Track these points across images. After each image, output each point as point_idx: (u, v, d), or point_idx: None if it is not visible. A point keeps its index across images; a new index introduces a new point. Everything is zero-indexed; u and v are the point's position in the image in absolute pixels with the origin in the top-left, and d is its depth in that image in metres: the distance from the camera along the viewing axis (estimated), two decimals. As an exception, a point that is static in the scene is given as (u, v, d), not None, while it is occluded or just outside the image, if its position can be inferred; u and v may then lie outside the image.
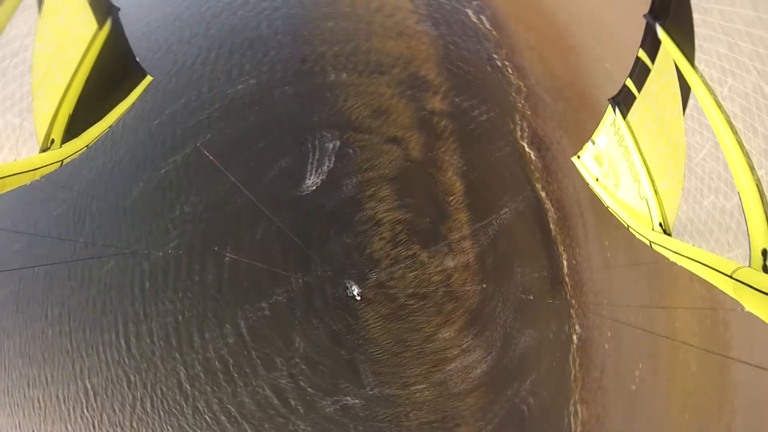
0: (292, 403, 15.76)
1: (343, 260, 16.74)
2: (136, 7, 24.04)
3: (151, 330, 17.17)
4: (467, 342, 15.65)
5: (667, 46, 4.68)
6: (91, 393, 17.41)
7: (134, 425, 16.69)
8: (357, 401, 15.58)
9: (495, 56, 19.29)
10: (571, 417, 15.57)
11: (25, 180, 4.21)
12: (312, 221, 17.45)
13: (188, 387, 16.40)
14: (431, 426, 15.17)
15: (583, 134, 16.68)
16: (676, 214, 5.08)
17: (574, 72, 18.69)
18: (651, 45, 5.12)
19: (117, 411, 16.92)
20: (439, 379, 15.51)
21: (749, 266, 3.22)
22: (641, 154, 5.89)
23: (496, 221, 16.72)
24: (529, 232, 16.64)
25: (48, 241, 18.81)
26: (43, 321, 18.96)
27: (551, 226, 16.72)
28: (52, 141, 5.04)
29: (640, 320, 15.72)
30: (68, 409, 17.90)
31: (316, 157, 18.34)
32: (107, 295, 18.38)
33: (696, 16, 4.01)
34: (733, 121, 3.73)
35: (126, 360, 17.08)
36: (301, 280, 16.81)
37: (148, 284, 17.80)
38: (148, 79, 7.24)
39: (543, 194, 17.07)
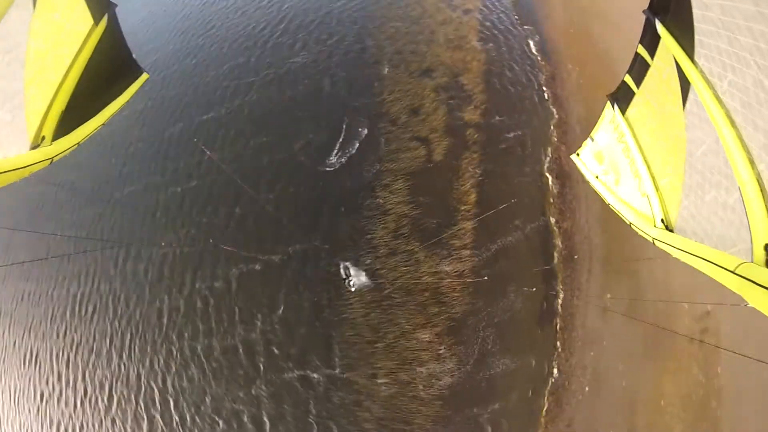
0: (258, 360, 15.89)
1: (344, 239, 17.03)
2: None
3: (150, 256, 17.95)
4: (442, 349, 15.30)
5: (667, 42, 4.65)
6: (78, 300, 18.23)
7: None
8: (320, 378, 15.48)
9: (541, 85, 19.47)
10: (525, 459, 14.83)
11: (14, 178, 4.06)
12: (325, 195, 17.96)
13: (165, 317, 16.90)
14: (380, 422, 14.77)
15: None
16: (678, 211, 5.03)
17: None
18: (650, 41, 5.09)
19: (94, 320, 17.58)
20: (404, 378, 15.18)
21: (752, 262, 3.20)
22: (641, 150, 5.85)
23: (501, 240, 16.51)
24: (531, 260, 16.28)
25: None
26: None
27: (555, 259, 16.29)
28: (43, 138, 4.96)
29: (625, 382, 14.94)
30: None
31: (346, 138, 19.00)
32: (125, 217, 19.45)
33: (696, 12, 4.00)
34: (733, 116, 3.71)
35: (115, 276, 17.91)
36: (298, 247, 17.19)
37: (159, 214, 18.72)
38: (144, 76, 7.20)
39: (555, 227, 16.73)
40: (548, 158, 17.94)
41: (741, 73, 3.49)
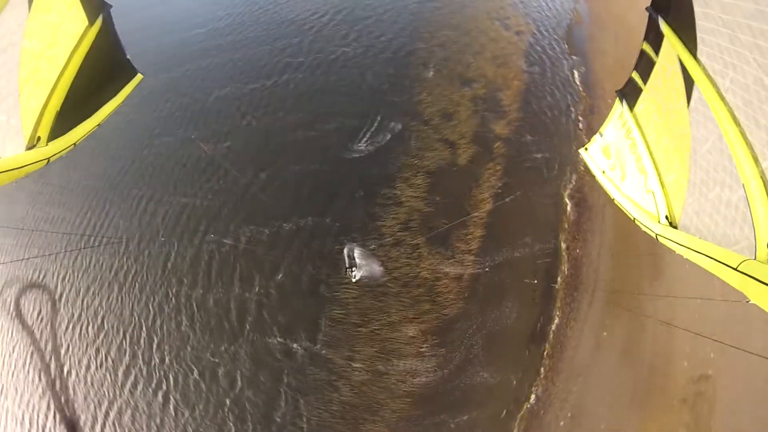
0: (246, 320, 16.04)
1: (355, 221, 17.24)
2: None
3: (172, 203, 18.69)
4: (424, 348, 15.05)
5: (670, 39, 4.73)
6: (95, 230, 19.07)
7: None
8: (300, 351, 15.46)
9: (578, 115, 19.39)
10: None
11: (11, 178, 4.04)
12: (346, 178, 18.31)
13: (170, 262, 17.45)
14: (347, 407, 14.50)
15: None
16: (683, 207, 5.04)
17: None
18: (655, 38, 5.15)
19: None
20: (381, 368, 14.96)
21: (755, 259, 3.21)
22: (648, 146, 5.87)
23: (507, 253, 16.27)
24: (534, 279, 15.90)
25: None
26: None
27: (558, 282, 15.87)
28: (38, 138, 4.91)
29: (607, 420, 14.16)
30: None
31: (377, 129, 19.43)
32: (157, 164, 20.37)
33: (697, 9, 4.06)
34: (735, 113, 3.73)
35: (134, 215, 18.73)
36: (310, 221, 17.49)
37: (189, 166, 19.56)
38: (139, 77, 7.19)
39: (565, 252, 16.36)
40: (572, 185, 17.70)
41: (742, 71, 3.53)
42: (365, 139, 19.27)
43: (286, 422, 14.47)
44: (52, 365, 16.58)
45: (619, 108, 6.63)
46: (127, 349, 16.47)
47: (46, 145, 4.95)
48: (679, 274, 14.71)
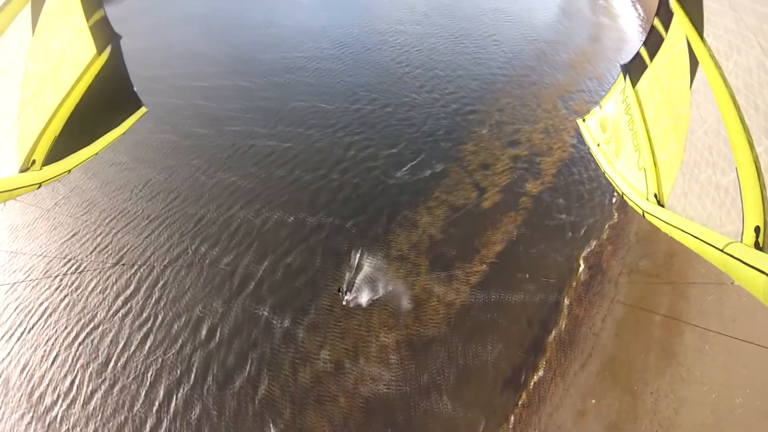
0: (245, 288, 17.11)
1: (371, 232, 18.32)
2: None
3: (220, 179, 21.48)
4: (393, 358, 14.69)
5: (679, 17, 4.77)
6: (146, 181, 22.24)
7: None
8: (281, 328, 15.88)
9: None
10: None
11: (0, 200, 4.03)
12: (379, 197, 19.89)
13: (200, 223, 19.60)
14: (300, 387, 14.23)
15: (648, 293, 15.17)
16: (672, 187, 5.08)
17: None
18: (665, 15, 5.22)
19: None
20: (344, 363, 14.69)
21: (741, 242, 3.27)
22: (645, 124, 5.97)
23: (505, 295, 15.84)
24: (526, 326, 15.08)
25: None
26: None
27: (551, 338, 14.82)
28: (33, 162, 4.83)
29: None
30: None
31: (420, 164, 21.17)
32: (219, 147, 23.78)
33: None
34: (736, 96, 3.74)
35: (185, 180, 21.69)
36: (335, 222, 18.89)
37: (247, 154, 22.63)
38: (143, 110, 7.18)
39: (566, 309, 15.45)
40: (589, 249, 17.22)
41: (746, 54, 3.55)
42: (407, 170, 20.99)
43: (243, 386, 14.58)
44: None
45: (622, 83, 6.80)
46: (133, 285, 18.06)
47: (41, 169, 4.86)
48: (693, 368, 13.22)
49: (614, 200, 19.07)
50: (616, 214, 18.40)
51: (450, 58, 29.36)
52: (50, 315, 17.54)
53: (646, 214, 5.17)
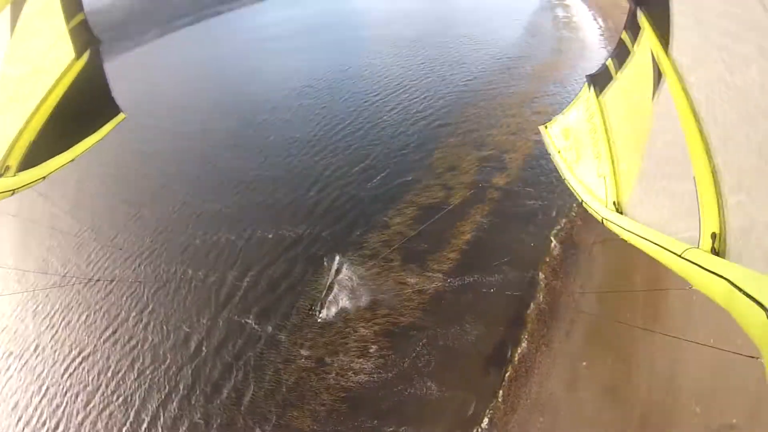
0: (231, 298, 17.60)
1: (345, 237, 19.05)
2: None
3: (205, 209, 22.60)
4: (372, 348, 14.75)
5: (646, 31, 4.90)
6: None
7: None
8: (258, 331, 16.18)
9: None
10: None
11: None
12: (352, 206, 20.83)
13: (187, 248, 20.45)
14: (282, 391, 14.32)
15: (624, 257, 15.38)
16: (631, 194, 5.20)
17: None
18: (633, 28, 5.33)
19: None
20: (324, 359, 14.81)
21: (698, 248, 3.38)
22: (607, 133, 6.10)
23: (480, 277, 16.10)
24: (504, 304, 15.21)
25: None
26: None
27: (531, 311, 14.86)
28: (7, 168, 4.69)
29: None
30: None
31: (391, 174, 22.29)
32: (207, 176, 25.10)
33: (674, 6, 4.23)
34: (697, 109, 3.85)
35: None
36: (311, 231, 19.68)
37: (223, 181, 23.85)
38: (121, 116, 7.01)
39: (542, 282, 15.57)
40: (559, 227, 17.64)
41: (708, 69, 3.67)
42: (378, 181, 22.02)
43: (230, 395, 14.69)
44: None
45: (587, 93, 6.94)
46: (122, 306, 18.72)
47: (15, 175, 4.72)
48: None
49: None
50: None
51: (417, 83, 31.32)
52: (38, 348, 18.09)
53: (605, 221, 5.30)
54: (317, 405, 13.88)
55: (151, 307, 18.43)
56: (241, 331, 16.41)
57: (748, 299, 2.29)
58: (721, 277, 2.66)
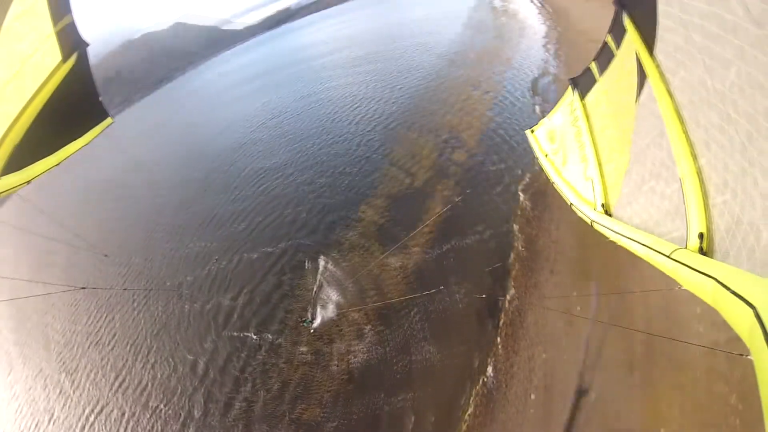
0: (230, 318, 18.08)
1: (324, 240, 19.77)
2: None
3: (195, 247, 23.31)
4: (366, 329, 15.05)
5: (631, 34, 4.88)
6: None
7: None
8: (258, 341, 16.73)
9: None
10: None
11: None
12: (326, 212, 21.64)
13: (183, 288, 21.05)
14: (289, 388, 14.63)
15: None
16: (618, 196, 5.23)
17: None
18: (618, 31, 5.28)
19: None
20: (322, 349, 15.24)
21: (686, 247, 3.40)
22: (592, 135, 6.13)
23: (457, 242, 16.75)
24: (484, 259, 15.66)
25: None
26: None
27: (511, 258, 15.44)
28: None
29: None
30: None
31: (357, 177, 23.23)
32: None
33: (660, 7, 4.18)
34: (681, 111, 3.89)
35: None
36: (295, 243, 20.40)
37: (210, 221, 24.66)
38: (108, 120, 6.91)
39: (518, 233, 16.20)
40: (524, 182, 18.43)
41: (691, 71, 3.66)
42: (345, 186, 23.08)
43: (242, 406, 14.99)
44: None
45: (570, 96, 6.96)
46: (129, 358, 19.11)
47: None
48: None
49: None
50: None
51: (372, 93, 32.96)
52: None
53: (594, 224, 5.27)
54: (323, 393, 14.18)
55: (155, 347, 18.83)
56: (242, 345, 16.83)
57: (735, 297, 2.32)
58: (708, 276, 2.69)
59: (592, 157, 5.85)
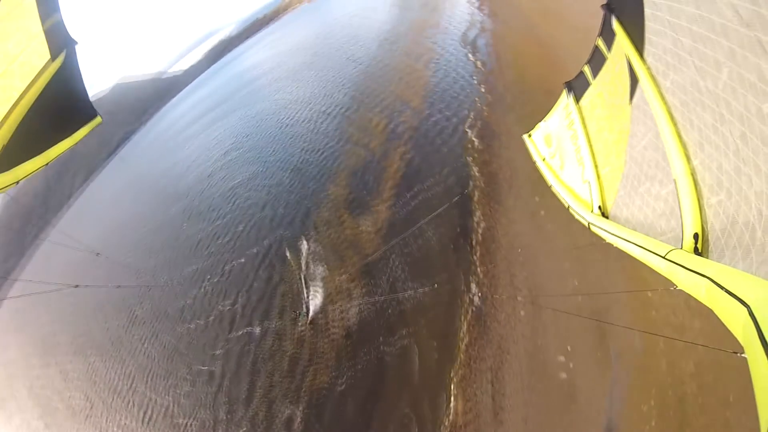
0: (233, 322, 18.76)
1: (301, 226, 20.62)
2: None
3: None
4: (353, 286, 16.05)
5: (620, 37, 4.90)
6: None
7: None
8: (263, 331, 17.50)
9: (476, 82, 22.40)
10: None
11: None
12: (297, 202, 22.50)
13: (184, 309, 21.66)
14: (296, 363, 15.47)
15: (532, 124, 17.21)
16: (614, 199, 5.26)
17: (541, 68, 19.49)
18: (608, 34, 5.33)
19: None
20: (318, 321, 16.14)
21: (681, 248, 3.43)
22: (588, 138, 6.16)
23: (418, 188, 17.79)
24: (445, 194, 16.72)
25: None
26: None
27: (471, 189, 16.47)
28: None
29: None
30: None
31: (315, 168, 24.13)
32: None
33: (647, 11, 4.23)
34: (673, 112, 3.92)
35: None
36: (275, 238, 21.19)
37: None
38: (97, 120, 6.90)
39: (472, 164, 17.37)
40: (470, 120, 19.50)
41: (681, 73, 3.70)
42: (311, 175, 23.89)
43: (260, 393, 15.69)
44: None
45: (565, 100, 7.02)
46: (148, 392, 19.67)
47: None
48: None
49: (476, 80, 21.80)
50: (479, 103, 21.04)
51: (319, 94, 33.40)
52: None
53: (591, 226, 5.30)
54: (328, 357, 15.05)
55: (167, 369, 19.39)
56: (250, 340, 17.56)
57: (730, 297, 2.34)
58: (704, 276, 2.71)
59: (588, 160, 5.92)
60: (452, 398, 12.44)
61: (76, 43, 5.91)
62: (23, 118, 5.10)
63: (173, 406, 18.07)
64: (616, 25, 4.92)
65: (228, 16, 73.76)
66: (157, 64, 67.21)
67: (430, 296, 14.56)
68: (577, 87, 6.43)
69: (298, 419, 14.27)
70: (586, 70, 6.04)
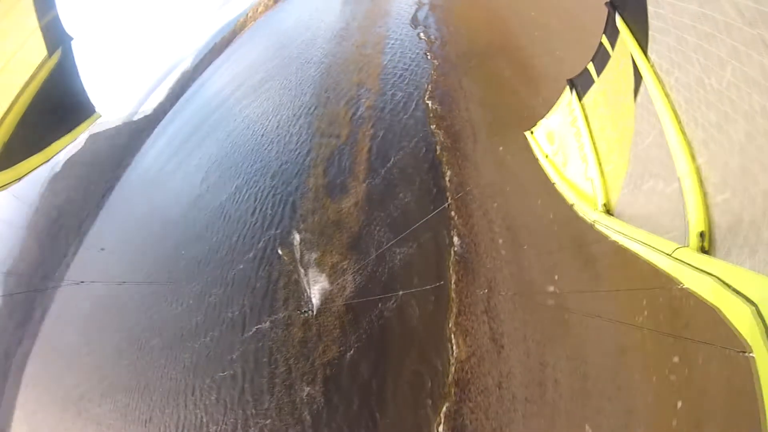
0: (244, 324, 19.56)
1: (290, 220, 21.58)
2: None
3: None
4: (344, 263, 17.10)
5: (624, 35, 4.88)
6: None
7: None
8: (273, 324, 18.46)
9: (429, 57, 23.65)
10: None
11: None
12: (282, 201, 23.45)
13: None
14: (301, 342, 16.41)
15: (487, 82, 18.13)
16: (618, 196, 5.23)
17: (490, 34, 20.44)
18: (612, 32, 5.30)
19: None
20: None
21: (687, 247, 3.39)
22: (591, 136, 6.11)
23: (391, 161, 18.76)
24: (416, 162, 17.75)
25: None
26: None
27: (439, 151, 17.49)
28: None
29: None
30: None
31: (291, 166, 25.01)
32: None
33: (650, 9, 4.20)
34: (678, 110, 3.89)
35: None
36: (268, 237, 22.03)
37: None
38: (96, 115, 6.87)
39: (437, 130, 18.35)
40: (428, 91, 20.52)
41: (686, 71, 3.68)
42: (290, 172, 24.93)
43: (279, 378, 16.62)
44: None
45: (568, 96, 6.94)
46: (175, 411, 20.44)
47: None
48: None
49: (428, 55, 22.84)
50: (435, 74, 22.11)
51: (282, 100, 34.65)
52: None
53: (596, 224, 5.25)
54: (333, 332, 16.00)
55: (192, 385, 20.17)
56: (264, 335, 18.39)
57: (736, 295, 2.32)
58: (709, 274, 2.70)
59: (592, 158, 5.87)
60: (452, 336, 13.36)
61: (72, 38, 5.93)
62: (23, 115, 5.12)
63: (204, 416, 18.79)
64: (619, 22, 4.88)
65: (184, 48, 74.08)
66: (125, 108, 67.67)
67: (415, 254, 15.44)
68: (580, 84, 6.40)
69: (319, 393, 15.08)
70: (591, 67, 5.95)
